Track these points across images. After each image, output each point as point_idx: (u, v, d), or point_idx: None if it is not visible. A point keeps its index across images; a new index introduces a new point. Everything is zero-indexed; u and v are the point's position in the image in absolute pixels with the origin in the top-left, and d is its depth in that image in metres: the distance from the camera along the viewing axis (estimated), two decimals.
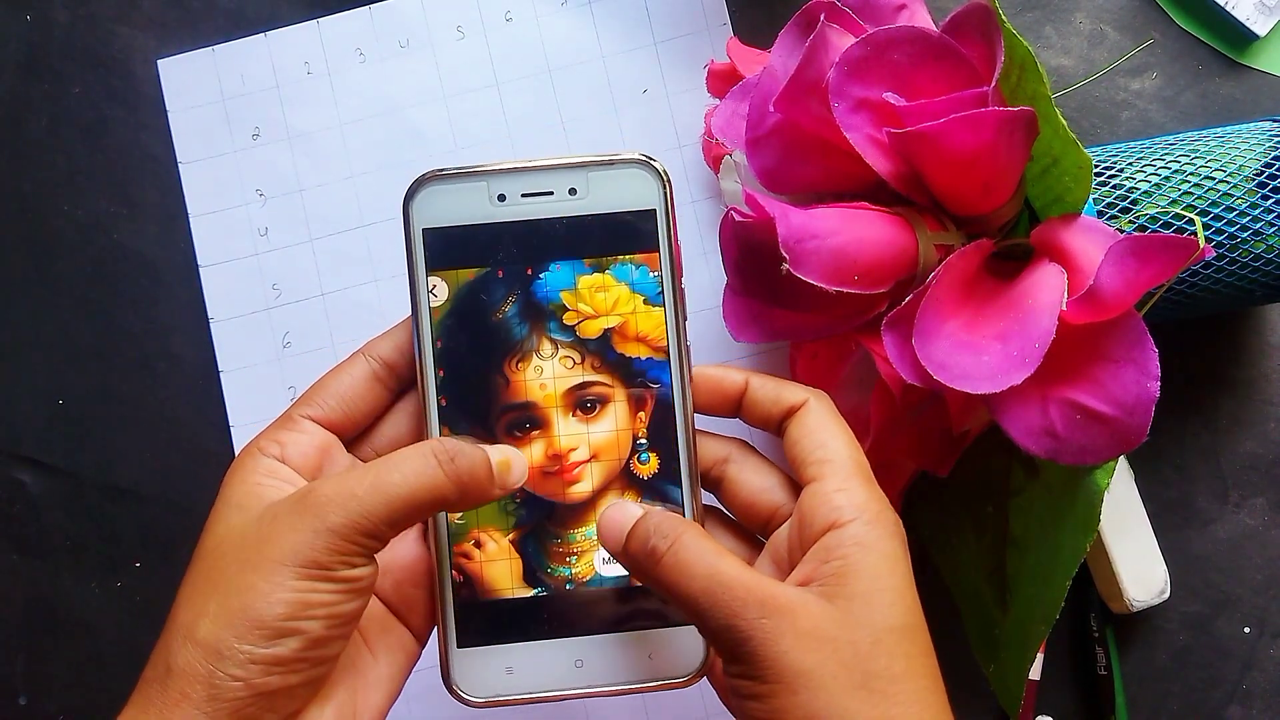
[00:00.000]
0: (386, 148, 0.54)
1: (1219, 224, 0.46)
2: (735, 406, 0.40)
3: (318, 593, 0.34)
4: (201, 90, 0.54)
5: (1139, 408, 0.38)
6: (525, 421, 0.40)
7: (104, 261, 0.54)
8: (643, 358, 0.40)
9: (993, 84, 0.40)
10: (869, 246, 0.40)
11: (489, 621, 0.40)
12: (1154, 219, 0.46)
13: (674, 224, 0.40)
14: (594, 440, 0.40)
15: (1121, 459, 0.51)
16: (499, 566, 0.40)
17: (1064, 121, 0.40)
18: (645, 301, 0.40)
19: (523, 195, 0.40)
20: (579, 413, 0.40)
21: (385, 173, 0.54)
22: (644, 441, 0.40)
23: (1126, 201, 0.46)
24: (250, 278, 0.54)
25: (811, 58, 0.41)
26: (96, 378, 0.54)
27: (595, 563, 0.40)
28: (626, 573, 0.39)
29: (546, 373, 0.40)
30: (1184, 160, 0.47)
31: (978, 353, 0.39)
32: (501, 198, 0.40)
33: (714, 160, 0.51)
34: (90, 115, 0.55)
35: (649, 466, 0.40)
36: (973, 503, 0.47)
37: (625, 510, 0.38)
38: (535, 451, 0.40)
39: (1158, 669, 0.52)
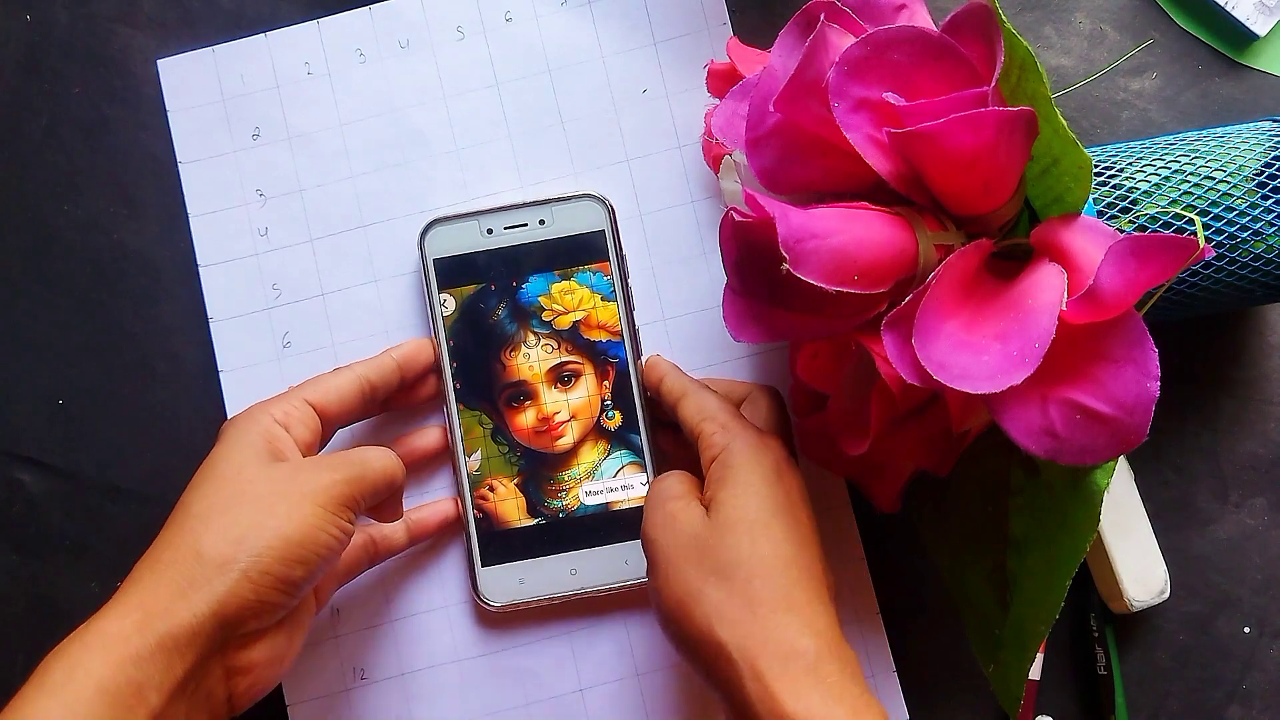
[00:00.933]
0: (387, 148, 0.54)
1: (1219, 224, 0.46)
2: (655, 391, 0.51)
3: (325, 532, 0.42)
4: (201, 90, 0.54)
5: (1139, 408, 0.38)
6: (520, 395, 0.53)
7: (104, 261, 0.54)
8: (603, 340, 0.53)
9: (993, 84, 0.40)
10: (869, 246, 0.40)
11: (504, 545, 0.52)
12: (1154, 219, 0.46)
13: (619, 239, 0.53)
14: (572, 405, 0.53)
15: (1121, 459, 0.51)
16: (508, 504, 0.52)
17: (1064, 121, 0.40)
18: (602, 299, 0.53)
19: (505, 228, 0.53)
20: (559, 385, 0.53)
21: (385, 173, 0.54)
22: (609, 402, 0.53)
23: (1126, 201, 0.46)
24: (250, 278, 0.54)
25: (811, 58, 0.41)
26: (96, 378, 0.54)
27: (580, 495, 0.52)
28: (605, 501, 0.52)
29: (533, 357, 0.53)
30: (1184, 160, 0.47)
31: (977, 352, 0.39)
32: (489, 231, 0.53)
33: (714, 160, 0.51)
34: (90, 115, 0.55)
35: (615, 420, 0.53)
36: (973, 503, 0.47)
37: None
38: (529, 416, 0.53)
39: (1158, 669, 0.52)
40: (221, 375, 0.53)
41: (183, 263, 0.54)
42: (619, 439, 0.52)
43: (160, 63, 0.54)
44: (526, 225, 0.53)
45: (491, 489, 0.52)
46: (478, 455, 0.52)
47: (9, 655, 0.52)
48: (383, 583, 0.52)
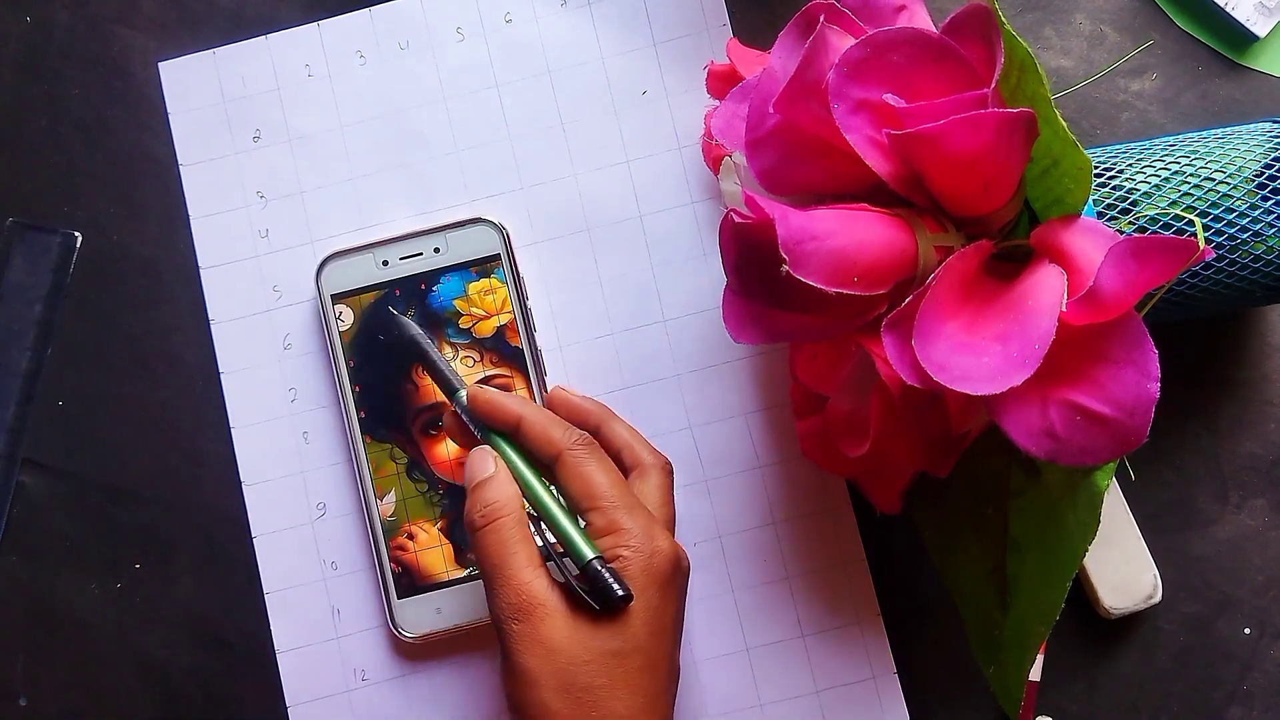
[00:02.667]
0: (387, 150, 0.54)
1: (1219, 225, 0.46)
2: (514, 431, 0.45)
3: None
4: (202, 92, 0.54)
5: (1139, 409, 0.38)
6: (438, 420, 0.47)
7: (104, 262, 0.54)
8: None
9: (992, 85, 0.40)
10: (868, 248, 0.40)
11: (423, 579, 0.48)
12: (1154, 220, 0.46)
13: (516, 263, 0.50)
14: None
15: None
16: (432, 554, 0.47)
17: (1064, 123, 0.40)
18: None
19: (400, 258, 0.50)
20: None
21: (386, 175, 0.54)
22: None
23: (1126, 203, 0.46)
24: (251, 279, 0.54)
25: (811, 59, 0.41)
26: (96, 378, 0.54)
27: None
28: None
29: None
30: (1184, 161, 0.47)
31: (978, 354, 0.39)
32: (385, 263, 0.50)
33: (714, 161, 0.51)
34: (90, 116, 0.55)
35: None
36: (973, 504, 0.47)
37: (477, 465, 0.43)
38: (451, 447, 0.47)
39: (1158, 670, 0.52)
40: (222, 377, 0.53)
41: (183, 264, 0.54)
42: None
43: (161, 65, 0.54)
44: (421, 254, 0.50)
45: (411, 537, 0.46)
46: (391, 497, 0.47)
47: (9, 656, 0.52)
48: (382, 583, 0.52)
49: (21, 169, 0.55)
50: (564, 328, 0.53)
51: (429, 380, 0.46)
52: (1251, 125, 0.48)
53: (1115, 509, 0.52)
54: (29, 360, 0.53)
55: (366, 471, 0.47)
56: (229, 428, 0.53)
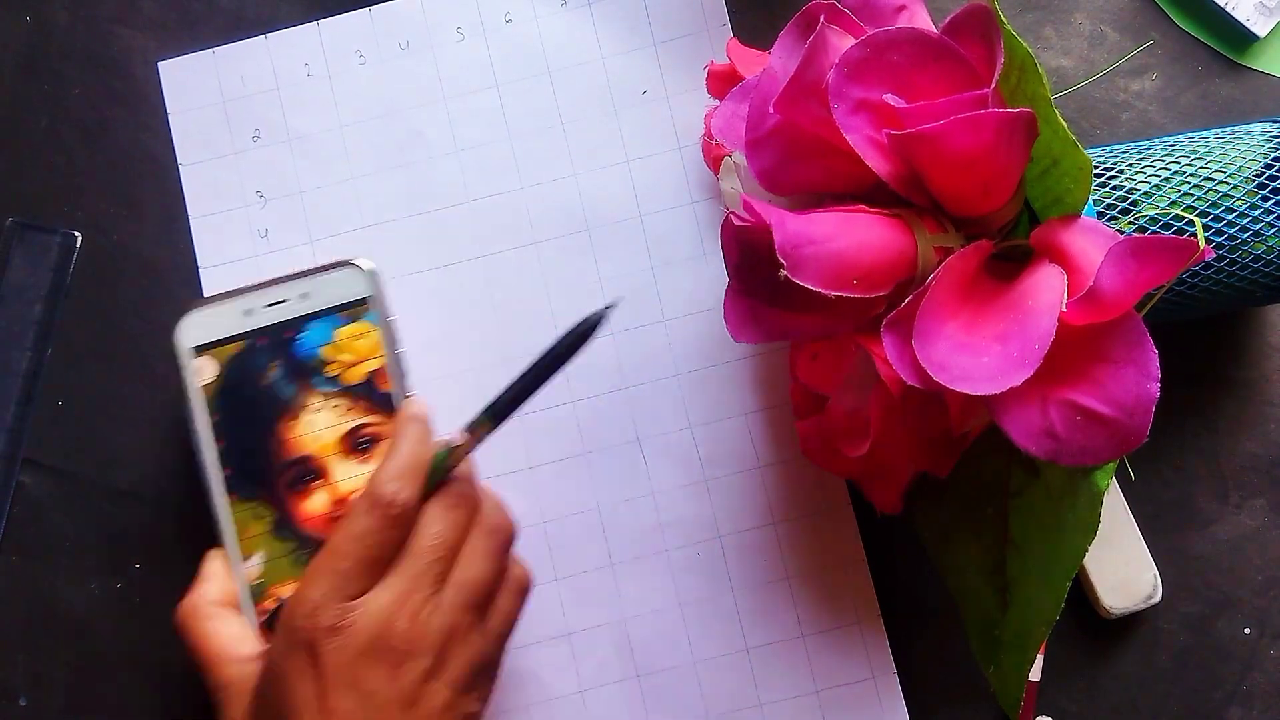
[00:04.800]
0: (387, 149, 0.54)
1: (1219, 225, 0.46)
2: None
3: None
4: (202, 92, 0.54)
5: (1139, 408, 0.38)
6: (306, 474, 0.45)
7: (104, 261, 0.54)
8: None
9: (992, 85, 0.40)
10: (867, 250, 0.40)
11: None
12: (1154, 220, 0.46)
13: (385, 306, 0.47)
14: None
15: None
16: None
17: (1064, 123, 0.40)
18: None
19: (265, 306, 0.48)
20: (356, 455, 0.46)
21: (386, 174, 0.54)
22: None
23: (1127, 203, 0.46)
24: (251, 280, 0.53)
25: (811, 59, 0.41)
26: (96, 378, 0.54)
27: None
28: None
29: (319, 424, 0.46)
30: (1184, 161, 0.47)
31: (977, 354, 0.39)
32: (248, 312, 0.47)
33: (714, 161, 0.51)
34: (90, 116, 0.55)
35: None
36: (972, 504, 0.47)
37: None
38: (320, 500, 0.45)
39: (1158, 670, 0.52)
40: None
41: (183, 264, 0.54)
42: None
43: (161, 65, 0.54)
44: (287, 301, 0.48)
45: (280, 601, 0.45)
46: (258, 558, 0.46)
47: (9, 656, 0.52)
48: None
49: (21, 169, 0.55)
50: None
51: (297, 433, 0.45)
52: (1251, 125, 0.48)
53: (1115, 509, 0.52)
54: (29, 360, 0.53)
55: (231, 532, 0.46)
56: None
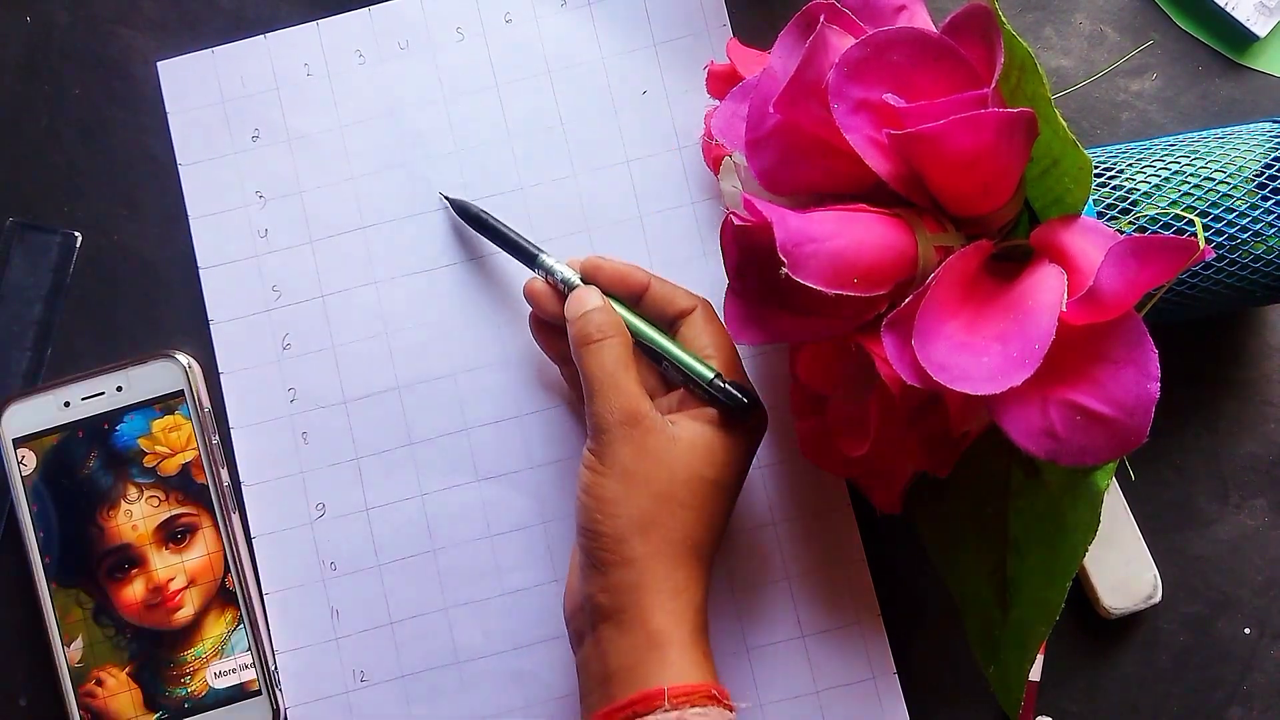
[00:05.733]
0: (386, 149, 0.54)
1: (1219, 225, 0.46)
2: (638, 300, 0.48)
3: None
4: (201, 92, 0.54)
5: (1139, 409, 0.38)
6: (124, 562, 0.47)
7: (104, 261, 0.54)
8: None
9: (992, 85, 0.40)
10: (868, 249, 0.40)
11: None
12: (1154, 220, 0.46)
13: (200, 399, 0.50)
14: (189, 567, 0.48)
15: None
16: (121, 699, 0.47)
17: (1064, 122, 0.40)
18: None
19: (82, 398, 0.49)
20: (171, 545, 0.48)
21: (385, 174, 0.54)
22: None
23: (1127, 202, 0.46)
24: (250, 279, 0.53)
25: (811, 59, 0.41)
26: None
27: (209, 678, 0.47)
28: (240, 682, 0.47)
29: (136, 514, 0.48)
30: (1184, 161, 0.47)
31: (977, 354, 0.39)
32: (66, 404, 0.49)
33: (714, 161, 0.51)
34: (90, 116, 0.55)
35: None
36: (973, 504, 0.47)
37: (585, 297, 0.47)
38: (137, 587, 0.47)
39: (1158, 670, 0.52)
40: (222, 377, 0.53)
41: (183, 264, 0.54)
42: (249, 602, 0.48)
43: (160, 65, 0.54)
44: (103, 393, 0.50)
45: (100, 683, 0.46)
46: (79, 643, 0.47)
47: (9, 656, 0.52)
48: (383, 585, 0.52)
49: (21, 169, 0.55)
50: None
51: (115, 522, 0.47)
52: (1251, 125, 0.48)
53: (1115, 509, 0.52)
54: (29, 360, 0.53)
55: (52, 618, 0.47)
56: (229, 428, 0.53)
